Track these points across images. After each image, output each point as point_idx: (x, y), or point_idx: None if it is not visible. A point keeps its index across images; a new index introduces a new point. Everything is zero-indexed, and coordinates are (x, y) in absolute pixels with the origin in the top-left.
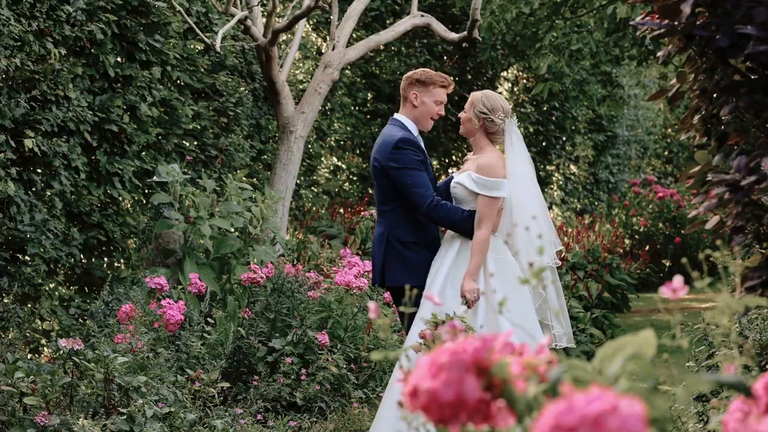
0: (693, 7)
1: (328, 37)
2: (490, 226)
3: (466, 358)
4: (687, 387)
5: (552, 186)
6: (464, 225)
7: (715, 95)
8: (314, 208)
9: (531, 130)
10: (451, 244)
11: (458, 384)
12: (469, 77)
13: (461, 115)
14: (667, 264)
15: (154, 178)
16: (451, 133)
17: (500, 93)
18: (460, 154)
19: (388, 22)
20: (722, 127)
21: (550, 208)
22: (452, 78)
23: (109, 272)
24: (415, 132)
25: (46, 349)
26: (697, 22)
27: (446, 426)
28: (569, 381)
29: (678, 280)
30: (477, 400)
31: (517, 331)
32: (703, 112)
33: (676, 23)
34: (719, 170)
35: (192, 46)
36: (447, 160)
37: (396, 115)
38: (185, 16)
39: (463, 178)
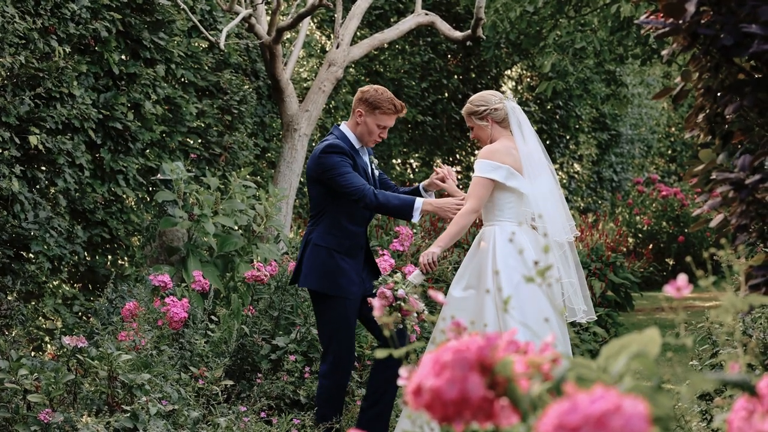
0: (697, 6)
1: (332, 36)
2: (475, 205)
3: (470, 357)
4: (691, 385)
5: None
6: (403, 209)
7: (719, 94)
8: None
9: (535, 128)
10: (477, 250)
11: (462, 382)
12: (473, 76)
13: (473, 136)
14: (671, 263)
15: (159, 175)
16: (455, 132)
17: (504, 91)
18: (463, 153)
19: (392, 20)
20: (726, 125)
21: None
22: (456, 76)
23: (112, 270)
24: (357, 144)
25: (49, 346)
26: (702, 21)
27: (450, 424)
28: (573, 379)
29: (682, 278)
30: (480, 399)
31: (522, 330)
32: (708, 111)
33: (680, 22)
34: (723, 169)
35: (196, 44)
36: (451, 159)
37: (341, 125)
38: (189, 14)
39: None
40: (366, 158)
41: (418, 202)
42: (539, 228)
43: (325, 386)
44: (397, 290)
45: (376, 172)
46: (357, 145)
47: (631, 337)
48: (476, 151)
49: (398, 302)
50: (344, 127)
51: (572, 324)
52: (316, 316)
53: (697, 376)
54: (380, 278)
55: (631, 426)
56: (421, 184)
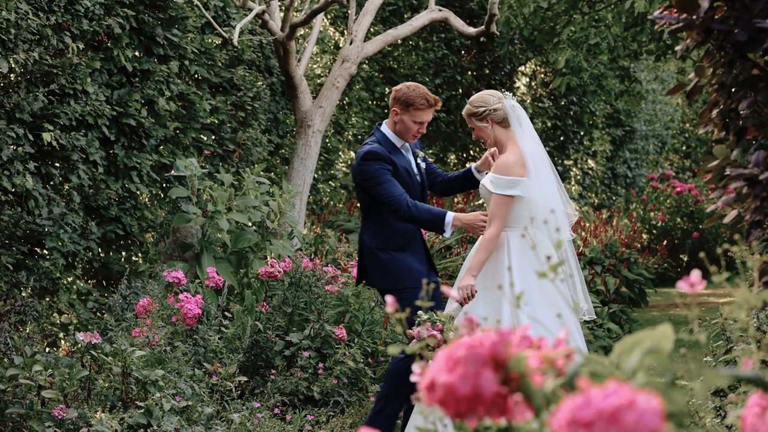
0: (711, 1)
1: (345, 32)
2: (500, 225)
3: (483, 352)
4: (705, 382)
5: (570, 181)
6: (434, 224)
7: (733, 89)
8: (332, 203)
9: (549, 124)
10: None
11: (475, 378)
12: (487, 72)
13: (475, 136)
14: (685, 259)
15: (172, 172)
16: (469, 128)
17: (518, 87)
18: (477, 149)
19: (405, 16)
20: (741, 121)
21: None
22: (470, 72)
23: (126, 266)
24: (398, 143)
25: (64, 342)
26: (716, 17)
27: (463, 420)
28: (587, 375)
29: (696, 274)
30: (494, 394)
31: (535, 326)
32: (722, 107)
33: (694, 17)
34: (737, 165)
35: (210, 41)
36: (465, 155)
37: (383, 125)
38: (203, 10)
39: (485, 180)
40: (409, 155)
41: (449, 217)
42: (551, 224)
43: (400, 361)
44: (447, 332)
45: (423, 165)
46: (398, 144)
47: (645, 333)
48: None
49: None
50: (384, 126)
51: (586, 320)
52: None
53: (711, 372)
54: (426, 317)
55: (645, 421)
56: (473, 165)
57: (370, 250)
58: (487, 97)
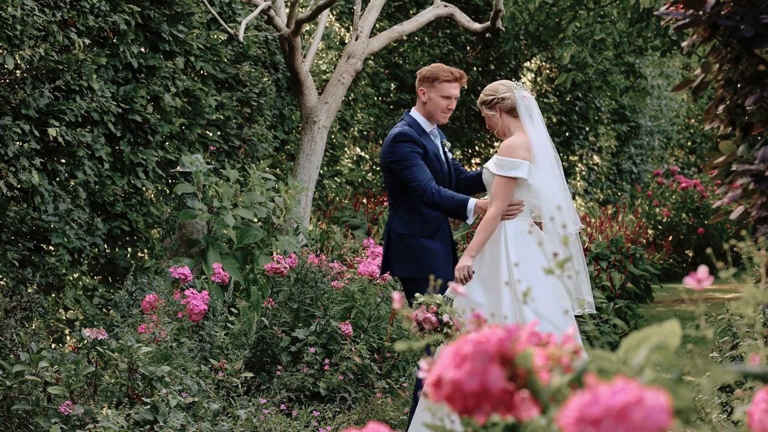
0: None
1: (351, 28)
2: (501, 206)
3: (490, 349)
4: (711, 377)
5: (575, 176)
6: (458, 210)
7: (739, 85)
8: (337, 198)
9: (554, 120)
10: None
11: (482, 374)
12: (492, 67)
13: (487, 125)
14: (691, 255)
15: (178, 168)
16: (474, 124)
17: (523, 83)
18: (483, 145)
19: (411, 12)
20: (747, 117)
21: (573, 198)
22: (475, 68)
23: (132, 262)
24: (427, 128)
25: (69, 338)
26: (722, 12)
27: (470, 416)
28: (594, 372)
29: (703, 270)
30: (501, 391)
31: (542, 322)
32: (728, 103)
33: (700, 13)
34: (744, 160)
35: (215, 37)
36: (470, 151)
37: (411, 111)
38: (208, 6)
39: (489, 163)
40: (437, 141)
41: (471, 203)
42: (557, 219)
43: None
44: (441, 314)
45: (450, 155)
46: (428, 128)
47: (652, 329)
48: (495, 143)
49: (443, 326)
50: (413, 111)
51: (591, 316)
52: (409, 300)
53: (718, 368)
54: (422, 299)
55: (653, 418)
56: None
57: (399, 236)
58: (497, 86)
